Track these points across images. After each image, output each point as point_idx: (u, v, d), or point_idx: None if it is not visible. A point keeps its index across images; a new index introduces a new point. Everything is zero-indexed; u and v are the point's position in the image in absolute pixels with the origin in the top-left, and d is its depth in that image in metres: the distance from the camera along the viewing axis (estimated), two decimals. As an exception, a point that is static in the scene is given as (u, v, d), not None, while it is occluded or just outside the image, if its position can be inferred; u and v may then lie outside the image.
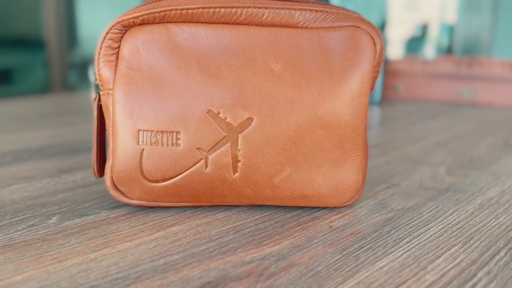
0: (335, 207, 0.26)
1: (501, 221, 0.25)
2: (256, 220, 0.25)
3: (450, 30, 2.49)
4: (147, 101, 0.24)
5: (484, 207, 0.27)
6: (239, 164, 0.24)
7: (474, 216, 0.26)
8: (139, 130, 0.24)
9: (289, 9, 0.24)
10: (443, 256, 0.21)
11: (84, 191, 0.28)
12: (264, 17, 0.24)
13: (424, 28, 2.63)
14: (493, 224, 0.25)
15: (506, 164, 0.36)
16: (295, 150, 0.24)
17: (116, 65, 0.24)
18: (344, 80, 0.24)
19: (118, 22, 0.24)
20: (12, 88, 2.37)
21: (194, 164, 0.24)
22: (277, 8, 0.24)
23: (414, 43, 2.58)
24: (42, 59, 2.48)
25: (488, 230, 0.24)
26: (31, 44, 2.36)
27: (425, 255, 0.21)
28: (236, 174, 0.24)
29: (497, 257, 0.21)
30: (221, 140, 0.24)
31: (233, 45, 0.24)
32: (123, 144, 0.24)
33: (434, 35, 2.64)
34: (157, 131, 0.23)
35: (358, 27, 0.24)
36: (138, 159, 0.24)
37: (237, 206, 0.26)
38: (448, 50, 2.43)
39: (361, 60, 0.24)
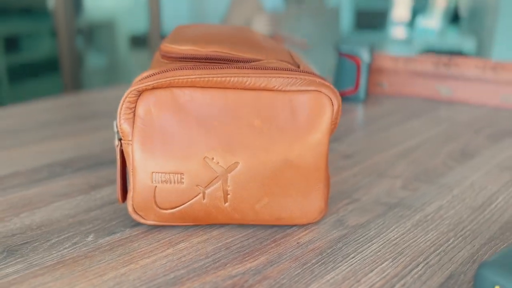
0: (304, 224, 0.34)
1: (429, 237, 0.33)
2: (243, 237, 0.33)
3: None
4: (158, 150, 0.31)
5: (420, 223, 0.35)
6: (228, 196, 0.32)
7: (409, 232, 0.33)
8: (152, 172, 0.31)
9: (267, 77, 0.31)
10: (375, 270, 0.29)
11: (110, 208, 0.36)
12: (247, 83, 0.31)
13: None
14: (421, 240, 0.32)
15: (454, 176, 0.43)
16: (272, 184, 0.32)
17: (133, 121, 0.31)
18: (309, 132, 0.31)
19: (135, 89, 0.31)
20: (20, 55, 2.43)
21: (195, 197, 0.32)
22: (258, 76, 0.31)
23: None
24: (49, 26, 2.52)
25: (416, 246, 0.32)
26: (38, 12, 2.40)
27: (363, 269, 0.29)
28: (227, 203, 0.32)
29: (414, 270, 0.29)
30: (214, 179, 0.31)
31: (223, 105, 0.31)
32: (140, 182, 0.31)
33: None
34: (166, 173, 0.31)
35: (319, 91, 0.31)
36: (152, 193, 0.31)
37: (228, 224, 0.34)
38: (455, 14, 2.43)
39: (321, 117, 0.31)
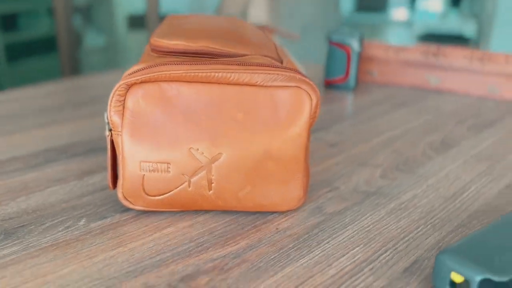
0: (284, 211, 0.36)
1: (400, 224, 0.35)
2: (226, 222, 0.35)
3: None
4: (146, 141, 0.33)
5: (393, 211, 0.37)
6: (212, 184, 0.34)
7: (382, 220, 0.35)
8: (140, 161, 0.33)
9: (250, 72, 0.33)
10: (346, 255, 0.31)
11: (102, 194, 0.38)
12: (231, 78, 0.33)
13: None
14: (393, 227, 0.34)
15: (432, 166, 0.45)
16: (254, 174, 0.34)
17: (123, 113, 0.33)
18: (288, 126, 0.33)
19: (124, 83, 0.32)
20: (19, 34, 2.42)
21: (180, 185, 0.34)
22: (241, 72, 0.33)
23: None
24: (47, 4, 2.51)
25: (387, 233, 0.34)
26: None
27: (335, 254, 0.31)
28: (211, 191, 0.34)
29: (383, 255, 0.31)
30: (199, 168, 0.33)
31: (208, 99, 0.33)
32: (130, 171, 0.33)
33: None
34: (154, 162, 0.33)
35: (299, 87, 0.33)
36: (141, 181, 0.33)
37: (212, 211, 0.36)
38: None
39: (301, 112, 0.33)
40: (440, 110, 0.63)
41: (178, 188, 0.34)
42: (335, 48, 0.69)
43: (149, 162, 0.33)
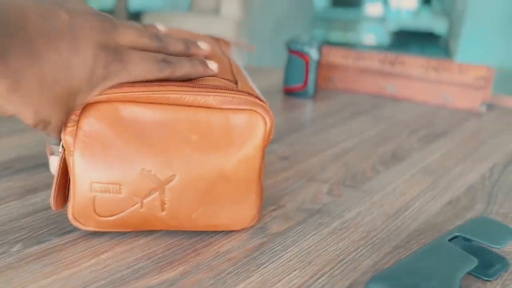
0: (238, 230, 0.36)
1: (340, 246, 0.35)
2: (166, 246, 0.34)
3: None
4: (98, 161, 0.32)
5: (335, 231, 0.37)
6: (165, 205, 0.33)
7: (323, 241, 0.36)
8: (92, 182, 0.33)
9: (204, 95, 0.32)
10: (283, 280, 0.31)
11: (42, 215, 0.38)
12: (186, 100, 0.33)
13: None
14: (332, 249, 0.35)
15: (379, 180, 0.46)
16: (206, 195, 0.34)
17: (76, 134, 0.33)
18: (242, 148, 0.33)
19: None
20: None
21: (132, 206, 0.33)
22: (196, 94, 0.32)
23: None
24: None
25: (326, 255, 0.34)
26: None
27: (272, 279, 0.31)
28: (164, 212, 0.34)
29: (319, 280, 0.31)
30: (152, 189, 0.33)
31: (162, 120, 0.33)
32: (80, 191, 0.33)
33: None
34: (105, 183, 0.33)
35: (254, 110, 0.33)
36: (92, 202, 0.33)
37: (157, 231, 0.36)
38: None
39: (255, 135, 0.33)
40: (395, 119, 0.64)
41: (130, 209, 0.33)
42: (294, 57, 0.69)
43: (101, 183, 0.33)
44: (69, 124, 0.33)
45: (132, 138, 0.32)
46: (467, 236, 0.32)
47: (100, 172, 0.33)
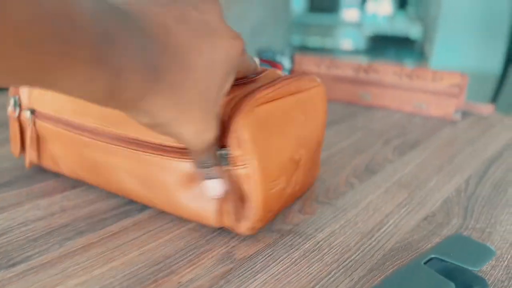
0: (192, 257, 0.34)
1: (311, 270, 0.33)
2: (123, 277, 0.32)
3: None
4: (266, 162, 0.34)
5: (307, 253, 0.35)
6: (296, 179, 0.39)
7: (295, 265, 0.34)
8: (268, 182, 0.35)
9: (290, 83, 0.37)
10: (250, 312, 0.29)
11: (-12, 246, 0.34)
12: (292, 89, 0.37)
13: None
14: (304, 274, 0.33)
15: (353, 195, 0.44)
16: (314, 161, 0.42)
17: (239, 145, 0.33)
18: (324, 115, 0.41)
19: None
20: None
21: (283, 190, 0.38)
22: (293, 82, 0.37)
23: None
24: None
25: (296, 281, 0.32)
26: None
27: (237, 311, 0.29)
28: (298, 186, 0.40)
29: (289, 310, 0.29)
30: (294, 171, 0.38)
31: (285, 109, 0.36)
32: (265, 196, 0.34)
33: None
34: (275, 181, 0.36)
35: (320, 84, 0.41)
36: (271, 202, 0.36)
37: (110, 263, 0.33)
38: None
39: (325, 101, 0.41)
40: (370, 128, 0.62)
41: (281, 194, 0.37)
42: (266, 66, 0.67)
43: (274, 181, 0.35)
44: (229, 138, 0.32)
45: (275, 133, 0.35)
46: (443, 258, 0.31)
47: (270, 171, 0.34)
